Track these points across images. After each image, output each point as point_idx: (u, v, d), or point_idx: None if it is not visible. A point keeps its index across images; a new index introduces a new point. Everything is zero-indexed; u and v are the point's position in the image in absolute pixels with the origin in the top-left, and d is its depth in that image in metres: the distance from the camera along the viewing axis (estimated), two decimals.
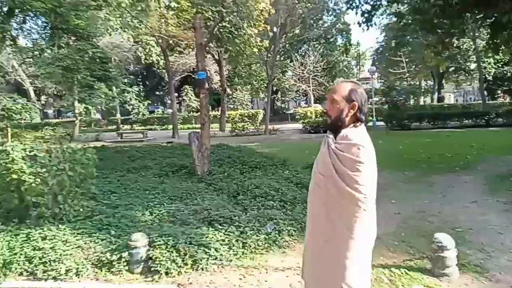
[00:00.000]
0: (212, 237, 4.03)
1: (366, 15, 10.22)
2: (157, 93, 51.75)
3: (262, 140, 18.89)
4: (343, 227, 1.87)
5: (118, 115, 40.21)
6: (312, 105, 34.74)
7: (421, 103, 35.68)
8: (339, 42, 41.04)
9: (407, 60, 35.97)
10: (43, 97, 46.36)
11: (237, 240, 4.06)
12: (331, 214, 1.91)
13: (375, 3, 9.46)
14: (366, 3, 9.61)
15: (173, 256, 3.64)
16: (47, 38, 6.11)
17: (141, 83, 48.27)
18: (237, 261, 3.78)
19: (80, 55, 6.67)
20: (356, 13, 10.24)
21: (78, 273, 3.69)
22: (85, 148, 5.57)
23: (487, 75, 29.74)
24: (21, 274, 3.82)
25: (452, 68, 32.87)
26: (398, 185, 7.28)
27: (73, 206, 5.15)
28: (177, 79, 39.29)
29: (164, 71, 38.01)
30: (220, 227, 4.30)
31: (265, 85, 40.03)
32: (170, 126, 34.24)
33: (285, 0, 25.29)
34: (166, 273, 3.57)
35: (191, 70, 34.91)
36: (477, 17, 8.54)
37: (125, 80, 43.66)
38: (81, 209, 5.26)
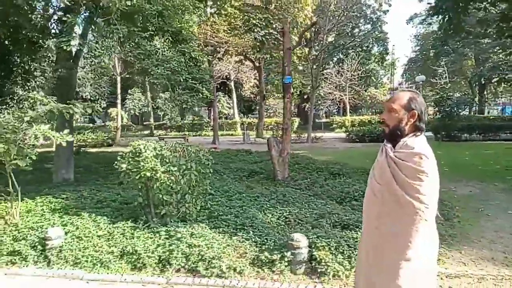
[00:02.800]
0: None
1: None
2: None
3: (307, 148, 18.77)
4: (400, 239, 1.82)
5: (152, 120, 41.05)
6: (348, 114, 34.35)
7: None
8: (374, 51, 40.63)
9: (442, 70, 35.34)
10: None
11: None
12: (385, 224, 1.87)
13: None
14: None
15: (338, 258, 3.61)
16: (146, 40, 6.29)
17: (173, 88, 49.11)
18: None
19: (182, 57, 6.86)
20: None
21: (240, 271, 3.70)
22: (201, 149, 5.64)
23: None
24: (178, 270, 3.87)
25: (496, 79, 31.90)
26: (497, 196, 7.06)
27: (196, 205, 5.22)
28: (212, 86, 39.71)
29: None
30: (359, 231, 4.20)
31: (298, 93, 40.10)
32: (204, 132, 34.72)
33: (324, 7, 25.29)
34: (334, 275, 3.53)
35: (225, 77, 35.26)
36: None
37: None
38: (201, 209, 5.35)
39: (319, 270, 3.60)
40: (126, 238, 4.41)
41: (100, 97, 40.53)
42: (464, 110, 18.11)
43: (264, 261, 3.77)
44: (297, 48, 23.44)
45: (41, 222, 5.01)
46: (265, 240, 4.13)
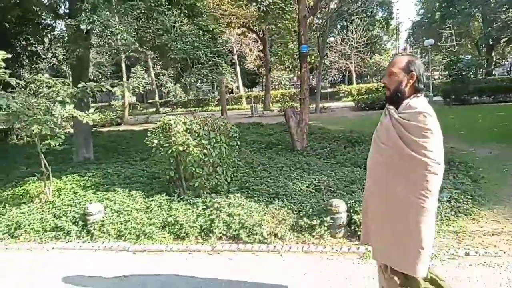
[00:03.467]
0: None
1: None
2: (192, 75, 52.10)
3: (317, 118, 18.69)
4: (411, 195, 1.89)
5: (157, 98, 40.86)
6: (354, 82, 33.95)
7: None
8: (378, 16, 39.63)
9: (448, 33, 34.50)
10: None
11: None
12: (394, 183, 1.95)
13: None
14: None
15: None
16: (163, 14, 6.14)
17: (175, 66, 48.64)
18: (441, 227, 3.80)
19: (200, 31, 6.75)
20: None
21: (281, 237, 3.82)
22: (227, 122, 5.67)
23: None
24: (220, 238, 4.00)
25: (505, 39, 31.20)
26: None
27: (226, 177, 5.31)
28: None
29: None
30: None
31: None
32: (211, 108, 34.61)
33: None
34: None
35: (228, 50, 34.71)
36: None
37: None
38: (231, 180, 5.45)
39: (359, 233, 3.69)
40: (164, 210, 4.53)
41: (104, 76, 40.31)
42: (475, 73, 17.76)
43: (304, 226, 3.88)
44: (294, 18, 22.93)
45: (76, 199, 5.14)
46: (301, 207, 4.23)
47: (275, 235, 3.85)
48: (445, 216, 4.02)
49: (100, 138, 14.87)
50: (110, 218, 4.43)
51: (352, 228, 3.78)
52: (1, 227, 4.69)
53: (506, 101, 19.45)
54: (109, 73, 41.00)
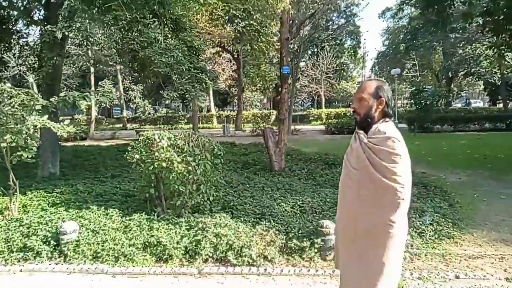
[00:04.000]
0: None
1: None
2: (161, 91, 51.36)
3: (289, 140, 18.80)
4: (379, 220, 1.92)
5: (125, 113, 39.84)
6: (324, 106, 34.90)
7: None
8: (347, 45, 41.40)
9: (411, 64, 36.55)
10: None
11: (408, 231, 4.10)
12: (363, 207, 1.96)
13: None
14: None
15: None
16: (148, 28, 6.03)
17: (146, 81, 47.91)
18: (428, 250, 3.85)
19: (184, 46, 6.65)
20: None
21: (271, 259, 3.71)
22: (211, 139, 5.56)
23: (496, 80, 30.39)
24: (206, 260, 3.83)
25: (463, 72, 33.44)
26: (484, 183, 7.45)
27: (209, 195, 5.16)
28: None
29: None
30: None
31: (274, 85, 40.25)
32: (180, 126, 34.17)
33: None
34: None
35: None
36: None
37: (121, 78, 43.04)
38: (213, 199, 5.29)
39: None
40: (145, 230, 4.29)
41: (69, 88, 38.87)
42: (437, 103, 18.83)
43: (293, 248, 3.80)
44: (275, 40, 23.47)
45: (47, 216, 4.77)
46: (289, 228, 4.16)
47: (265, 257, 3.74)
48: (429, 239, 4.09)
49: (65, 153, 14.12)
50: (85, 238, 4.12)
51: None
52: None
53: (465, 131, 20.68)
54: (75, 85, 39.64)
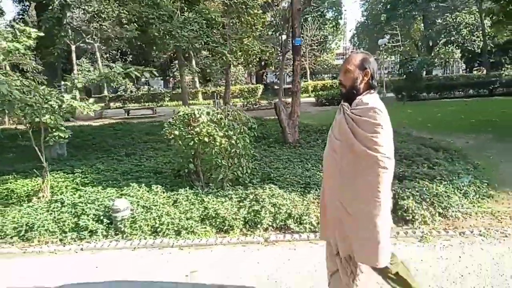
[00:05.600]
0: (436, 190, 4.20)
1: None
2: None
3: None
4: (364, 189, 1.95)
5: (106, 92, 38.57)
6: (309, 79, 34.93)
7: None
8: (328, 16, 41.08)
9: (388, 34, 36.77)
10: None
11: (454, 192, 4.29)
12: (347, 177, 1.99)
13: None
14: None
15: (423, 206, 3.86)
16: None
17: (124, 59, 46.27)
18: (475, 209, 4.06)
19: (202, 19, 6.42)
20: None
21: None
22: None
23: (476, 48, 31.10)
24: (266, 229, 3.91)
25: (443, 41, 34.00)
26: (492, 146, 7.77)
27: (248, 168, 5.20)
28: (168, 54, 37.93)
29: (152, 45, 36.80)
30: (428, 183, 4.45)
31: (257, 59, 39.79)
32: (166, 103, 33.53)
33: None
34: (422, 221, 3.79)
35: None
36: None
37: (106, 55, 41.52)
38: (250, 171, 5.34)
39: (407, 218, 3.83)
40: (195, 204, 4.31)
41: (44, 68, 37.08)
42: (425, 71, 19.19)
43: None
44: (257, 14, 22.95)
45: (88, 196, 4.69)
46: None
47: None
48: (473, 199, 4.30)
49: None
50: (140, 214, 4.11)
51: (399, 213, 3.89)
52: (7, 229, 4.16)
53: (451, 98, 21.26)
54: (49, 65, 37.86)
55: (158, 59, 38.40)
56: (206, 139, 4.68)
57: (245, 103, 23.29)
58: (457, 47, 31.51)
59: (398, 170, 5.09)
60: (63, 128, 4.83)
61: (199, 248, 3.66)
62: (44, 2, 6.70)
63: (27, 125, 4.99)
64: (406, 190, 4.03)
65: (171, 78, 44.43)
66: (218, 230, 3.98)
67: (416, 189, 4.08)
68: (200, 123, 4.72)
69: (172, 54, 32.77)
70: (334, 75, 38.89)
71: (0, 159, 9.12)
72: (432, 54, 34.68)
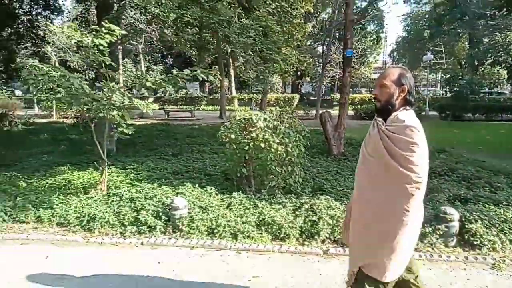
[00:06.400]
0: (505, 216, 3.98)
1: None
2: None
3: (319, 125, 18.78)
4: (393, 207, 1.91)
5: (146, 93, 39.79)
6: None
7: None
8: (370, 29, 40.59)
9: (431, 50, 35.70)
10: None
11: None
12: (378, 194, 1.96)
13: None
14: None
15: (493, 232, 3.67)
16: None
17: (164, 61, 47.69)
18: None
19: (258, 26, 6.56)
20: None
21: None
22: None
23: None
24: (323, 241, 3.84)
25: (490, 61, 32.65)
26: None
27: (300, 177, 5.16)
28: (207, 59, 38.69)
29: (192, 50, 37.69)
30: (495, 207, 4.23)
31: (294, 69, 39.83)
32: (203, 107, 34.17)
33: None
34: (490, 248, 3.60)
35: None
36: None
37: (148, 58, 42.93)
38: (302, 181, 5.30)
39: (474, 243, 3.65)
40: (249, 209, 4.32)
41: (89, 67, 38.82)
42: (471, 91, 18.44)
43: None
44: (299, 24, 23.04)
45: (145, 192, 4.81)
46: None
47: None
48: None
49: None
50: (198, 214, 4.16)
51: (466, 237, 3.72)
52: (70, 218, 4.33)
53: (498, 120, 20.31)
54: (95, 63, 39.60)
55: (198, 63, 39.11)
56: (262, 145, 4.69)
57: (281, 112, 23.26)
58: (504, 68, 30.06)
59: (458, 192, 4.90)
60: (125, 124, 4.99)
61: (257, 254, 3.65)
62: (105, 2, 6.98)
63: (89, 120, 5.21)
64: (474, 213, 3.85)
65: (207, 83, 45.19)
66: (273, 237, 3.95)
67: (484, 213, 3.88)
68: (257, 128, 4.74)
69: (212, 59, 33.35)
70: (372, 89, 38.24)
71: (53, 151, 9.58)
72: (478, 74, 33.33)
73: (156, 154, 8.37)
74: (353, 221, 2.16)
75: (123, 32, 4.53)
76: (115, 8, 7.67)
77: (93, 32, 4.46)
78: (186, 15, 5.43)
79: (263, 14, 7.06)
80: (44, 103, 18.81)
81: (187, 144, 10.21)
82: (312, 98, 41.57)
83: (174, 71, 4.81)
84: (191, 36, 6.08)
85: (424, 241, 3.74)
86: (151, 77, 4.81)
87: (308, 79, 46.69)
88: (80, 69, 34.24)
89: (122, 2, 6.68)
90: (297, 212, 4.16)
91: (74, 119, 16.42)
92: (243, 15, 6.64)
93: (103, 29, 4.40)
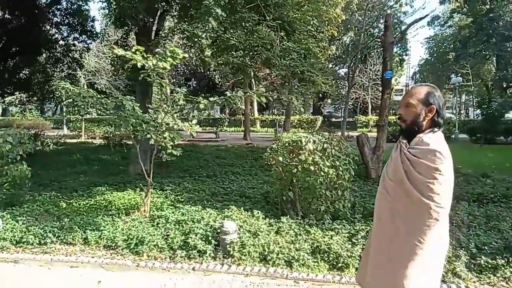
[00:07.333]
0: None
1: None
2: (202, 95, 52.23)
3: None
4: (411, 236, 1.78)
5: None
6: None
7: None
8: (393, 51, 40.48)
9: (455, 73, 35.11)
10: None
11: None
12: (398, 222, 1.83)
13: None
14: None
15: None
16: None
17: (187, 84, 48.78)
18: None
19: (300, 49, 6.59)
20: None
21: (461, 276, 3.46)
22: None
23: None
24: None
25: None
26: None
27: (349, 202, 4.98)
28: (230, 82, 39.36)
29: (215, 72, 38.38)
30: None
31: (317, 91, 39.96)
32: (225, 128, 34.46)
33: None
34: None
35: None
36: None
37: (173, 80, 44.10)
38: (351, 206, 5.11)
39: None
40: (301, 235, 4.15)
41: (116, 89, 40.01)
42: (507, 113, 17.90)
43: (484, 266, 3.52)
44: (324, 47, 23.19)
45: (191, 214, 4.72)
46: (469, 242, 3.89)
47: (454, 273, 3.49)
48: None
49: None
50: (248, 239, 4.02)
51: None
52: (118, 241, 4.26)
53: None
54: (120, 86, 40.85)
55: (220, 86, 39.93)
56: (312, 168, 4.55)
57: (330, 134, 23.17)
58: None
59: None
60: (171, 145, 4.97)
61: (315, 284, 3.46)
62: (145, 27, 7.19)
63: (134, 140, 5.23)
64: None
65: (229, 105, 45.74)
66: (330, 266, 3.75)
67: None
68: (306, 151, 4.62)
69: (235, 82, 33.85)
70: (393, 111, 37.84)
71: (86, 171, 9.69)
72: (506, 97, 32.46)
73: (190, 176, 8.34)
74: (372, 250, 2.01)
75: (186, 55, 4.58)
76: (153, 32, 7.87)
77: (156, 56, 4.53)
78: (232, 39, 5.50)
79: (304, 37, 7.10)
80: (77, 124, 19.36)
81: (218, 165, 10.15)
82: (334, 119, 41.42)
83: (217, 96, 4.82)
84: (235, 59, 6.19)
85: (497, 273, 3.47)
86: (202, 100, 4.81)
87: (329, 101, 46.73)
88: (107, 91, 35.26)
89: (167, 28, 6.82)
90: (353, 240, 3.97)
91: (104, 140, 16.79)
92: (285, 38, 6.68)
93: (167, 52, 4.46)
